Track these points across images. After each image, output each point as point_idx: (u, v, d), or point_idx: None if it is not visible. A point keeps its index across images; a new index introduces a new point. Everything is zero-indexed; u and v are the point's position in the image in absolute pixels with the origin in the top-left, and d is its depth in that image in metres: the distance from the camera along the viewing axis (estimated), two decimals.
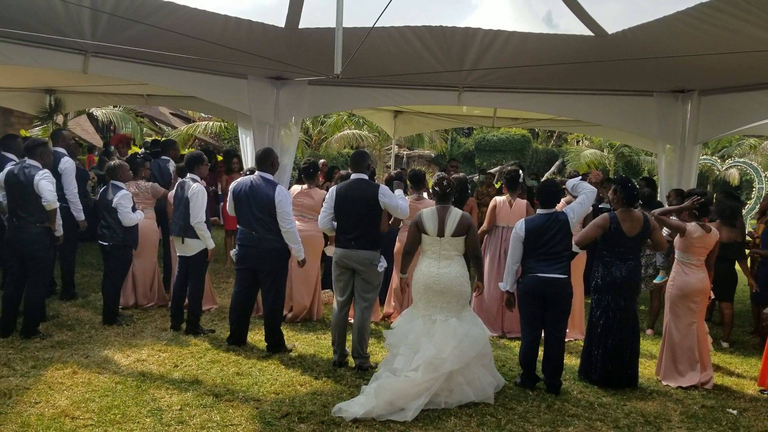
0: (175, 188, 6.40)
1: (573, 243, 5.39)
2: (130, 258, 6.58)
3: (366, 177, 5.59)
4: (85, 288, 7.58)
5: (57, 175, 6.63)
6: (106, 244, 6.42)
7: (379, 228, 5.49)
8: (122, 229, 6.37)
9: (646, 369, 5.86)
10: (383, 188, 5.50)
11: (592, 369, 5.45)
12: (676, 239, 5.73)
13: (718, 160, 24.76)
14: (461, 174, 7.43)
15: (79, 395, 4.57)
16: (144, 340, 5.92)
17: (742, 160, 24.46)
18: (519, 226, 5.30)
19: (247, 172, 6.61)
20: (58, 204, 5.91)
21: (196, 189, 6.14)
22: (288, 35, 7.20)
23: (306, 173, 7.06)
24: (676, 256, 5.77)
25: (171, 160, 8.64)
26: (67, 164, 6.95)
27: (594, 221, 5.52)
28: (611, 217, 5.47)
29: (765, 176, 22.20)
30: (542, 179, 15.03)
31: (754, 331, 7.55)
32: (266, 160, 5.86)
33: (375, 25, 5.83)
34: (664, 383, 5.55)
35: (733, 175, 24.16)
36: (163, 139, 14.89)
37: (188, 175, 6.30)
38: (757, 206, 19.24)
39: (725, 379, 5.81)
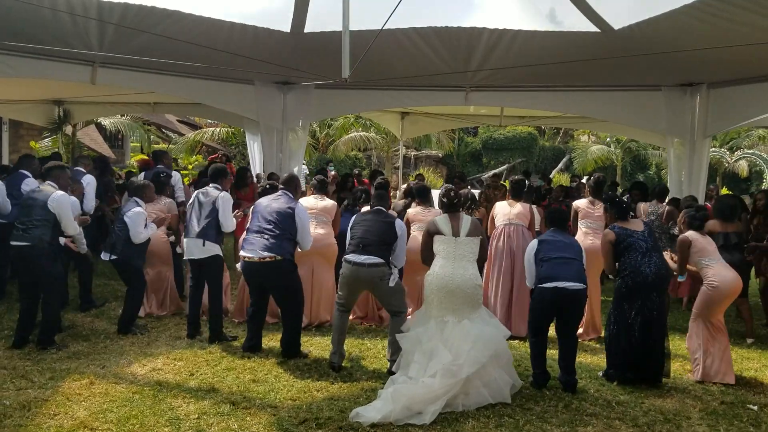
0: (194, 195, 6.35)
1: (608, 273, 5.58)
2: (137, 269, 6.54)
3: (385, 210, 5.75)
4: (98, 298, 7.60)
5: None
6: (107, 255, 6.42)
7: (390, 251, 5.50)
8: (123, 243, 6.35)
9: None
10: (401, 224, 5.69)
11: (625, 368, 5.34)
12: (693, 253, 5.68)
13: (727, 152, 24.64)
14: (467, 189, 7.48)
15: (97, 406, 4.58)
16: (159, 349, 5.93)
17: (751, 151, 24.39)
18: (531, 246, 5.43)
19: (267, 186, 6.63)
20: (78, 230, 6.16)
21: (226, 197, 6.23)
22: (293, 39, 7.23)
23: (321, 187, 7.07)
24: (702, 264, 5.64)
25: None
26: (89, 180, 7.29)
27: (601, 245, 5.56)
28: (611, 228, 5.50)
29: None
30: (550, 181, 14.99)
31: (767, 323, 7.49)
32: (291, 182, 6.10)
33: (381, 28, 5.84)
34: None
35: (742, 167, 24.04)
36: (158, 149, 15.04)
37: (212, 185, 6.32)
38: None
39: (744, 374, 5.76)
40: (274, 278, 5.71)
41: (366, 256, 5.36)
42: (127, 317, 6.43)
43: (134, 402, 4.67)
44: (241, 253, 5.80)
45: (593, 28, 6.67)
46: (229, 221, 6.22)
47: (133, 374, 5.27)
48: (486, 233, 6.61)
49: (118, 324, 6.45)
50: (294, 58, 7.65)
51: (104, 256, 6.47)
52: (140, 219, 6.42)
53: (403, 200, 7.67)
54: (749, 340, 6.78)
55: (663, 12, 6.02)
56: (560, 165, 28.79)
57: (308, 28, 7.08)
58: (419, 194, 7.19)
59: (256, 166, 11.59)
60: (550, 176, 22.60)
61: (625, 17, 6.45)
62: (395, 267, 5.56)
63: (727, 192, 20.94)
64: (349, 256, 5.46)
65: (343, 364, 5.55)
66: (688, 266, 5.72)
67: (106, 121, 19.01)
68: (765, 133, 24.14)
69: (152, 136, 23.76)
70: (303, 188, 9.88)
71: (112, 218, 7.84)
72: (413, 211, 7.02)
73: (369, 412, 4.40)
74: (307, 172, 18.23)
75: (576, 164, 26.66)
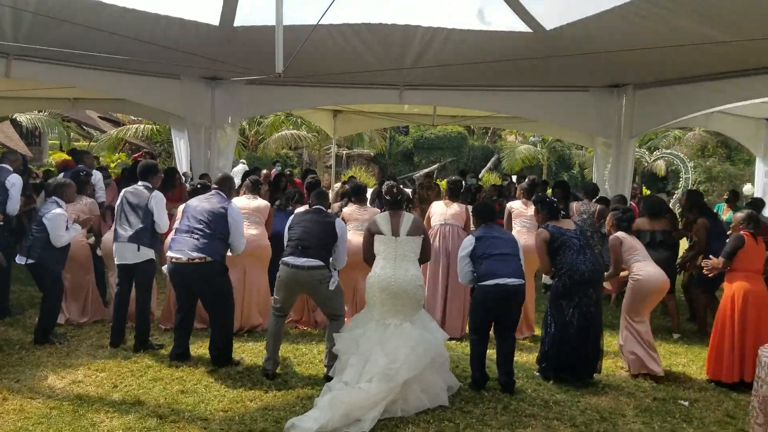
0: (122, 196, 6.00)
1: (544, 272, 5.64)
2: (56, 275, 6.13)
3: (324, 209, 5.54)
4: (13, 306, 7.13)
5: (4, 190, 6.67)
6: (23, 259, 5.98)
7: (330, 252, 5.32)
8: (41, 246, 5.94)
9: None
10: (341, 224, 5.49)
11: (561, 367, 5.40)
12: (624, 252, 5.75)
13: (646, 152, 25.58)
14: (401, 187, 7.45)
15: (10, 424, 4.25)
16: (79, 360, 5.58)
17: (668, 151, 25.36)
18: (467, 242, 5.32)
19: (198, 185, 6.37)
20: None
21: (159, 196, 5.90)
22: (222, 33, 7.00)
23: (254, 188, 6.87)
24: (631, 261, 5.73)
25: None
26: (14, 180, 6.82)
27: (536, 245, 5.54)
28: (545, 227, 5.51)
29: (691, 166, 23.12)
30: (479, 180, 15.21)
31: (690, 318, 7.73)
32: (225, 182, 5.86)
33: (314, 23, 5.70)
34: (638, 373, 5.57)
35: (660, 167, 24.98)
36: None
37: (140, 183, 5.97)
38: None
39: (673, 369, 5.89)
40: (203, 281, 5.45)
41: (305, 259, 5.17)
42: (44, 326, 6.02)
43: (52, 418, 4.36)
44: (168, 253, 5.51)
45: (526, 29, 6.72)
46: (164, 221, 5.90)
47: (50, 388, 4.93)
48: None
49: (35, 333, 6.04)
50: (223, 53, 7.40)
51: (19, 259, 6.02)
52: (61, 221, 6.00)
53: (339, 203, 7.53)
54: (675, 336, 6.97)
55: (594, 13, 6.11)
56: (489, 164, 29.25)
57: (238, 22, 6.87)
58: (355, 193, 7.06)
59: (183, 165, 11.22)
60: (480, 175, 22.98)
61: (557, 18, 6.53)
62: (335, 269, 5.41)
63: (647, 191, 21.74)
64: (288, 259, 5.25)
65: (277, 372, 5.36)
66: (622, 272, 5.82)
67: (22, 117, 18.15)
68: (681, 134, 25.13)
69: (72, 134, 22.81)
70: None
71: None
72: (348, 210, 6.89)
73: (306, 422, 4.23)
74: (248, 170, 17.94)
75: (504, 163, 27.20)
